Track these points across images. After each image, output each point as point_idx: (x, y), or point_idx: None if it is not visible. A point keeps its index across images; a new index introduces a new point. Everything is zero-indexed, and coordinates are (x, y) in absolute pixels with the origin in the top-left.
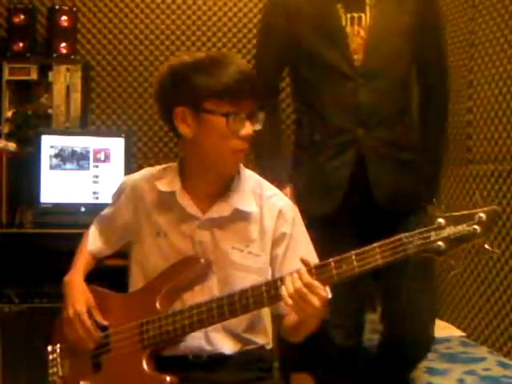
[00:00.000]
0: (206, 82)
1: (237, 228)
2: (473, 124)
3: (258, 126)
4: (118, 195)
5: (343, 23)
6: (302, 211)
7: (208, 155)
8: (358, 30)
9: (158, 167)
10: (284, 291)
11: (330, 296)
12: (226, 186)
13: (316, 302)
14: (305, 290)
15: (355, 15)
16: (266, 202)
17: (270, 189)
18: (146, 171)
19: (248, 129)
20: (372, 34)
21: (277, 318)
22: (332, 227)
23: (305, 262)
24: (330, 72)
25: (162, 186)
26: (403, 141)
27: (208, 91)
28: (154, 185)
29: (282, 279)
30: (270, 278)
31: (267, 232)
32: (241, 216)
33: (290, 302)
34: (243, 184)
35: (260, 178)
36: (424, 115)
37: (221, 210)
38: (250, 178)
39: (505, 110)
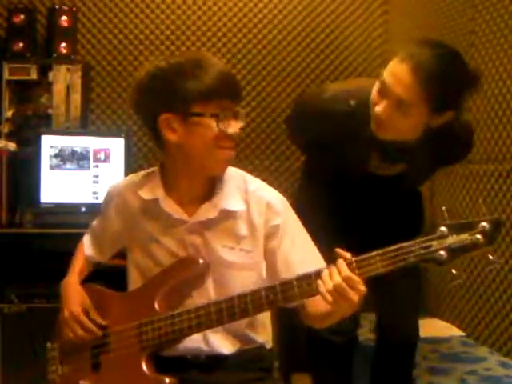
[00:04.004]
0: (192, 85)
1: (225, 227)
2: (473, 124)
3: (241, 124)
4: (105, 205)
5: (371, 168)
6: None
7: (197, 157)
8: (382, 171)
9: (141, 173)
10: (322, 287)
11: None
12: (210, 186)
13: (355, 297)
14: (344, 285)
15: (386, 165)
16: (252, 197)
17: (254, 182)
18: (129, 179)
19: (235, 127)
20: (396, 181)
21: (294, 309)
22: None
23: (342, 256)
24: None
25: (145, 193)
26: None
27: (195, 95)
28: (137, 193)
29: (316, 274)
30: (264, 272)
31: (257, 226)
32: (228, 215)
33: (329, 298)
34: (227, 183)
35: (243, 173)
36: None
37: (207, 213)
38: (233, 175)
39: (505, 110)
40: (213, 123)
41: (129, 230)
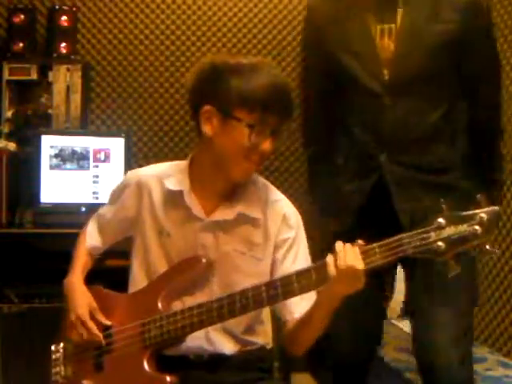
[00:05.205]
0: (239, 89)
1: (240, 231)
2: None
3: (278, 143)
4: (121, 190)
5: (373, 35)
6: (316, 227)
7: (223, 158)
8: (388, 43)
9: (167, 164)
10: (331, 259)
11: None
12: (232, 189)
13: (357, 285)
14: (351, 270)
15: (386, 26)
16: (271, 207)
17: (275, 194)
18: (154, 167)
19: (268, 145)
20: (400, 49)
21: (279, 323)
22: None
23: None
24: (359, 89)
25: (171, 184)
26: (434, 163)
27: (239, 99)
28: (161, 182)
29: (315, 269)
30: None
31: (270, 237)
32: (245, 220)
33: (334, 272)
34: (250, 188)
35: (267, 183)
36: (471, 136)
37: (225, 214)
38: (256, 182)
39: (505, 110)
40: (247, 133)
41: (142, 217)
